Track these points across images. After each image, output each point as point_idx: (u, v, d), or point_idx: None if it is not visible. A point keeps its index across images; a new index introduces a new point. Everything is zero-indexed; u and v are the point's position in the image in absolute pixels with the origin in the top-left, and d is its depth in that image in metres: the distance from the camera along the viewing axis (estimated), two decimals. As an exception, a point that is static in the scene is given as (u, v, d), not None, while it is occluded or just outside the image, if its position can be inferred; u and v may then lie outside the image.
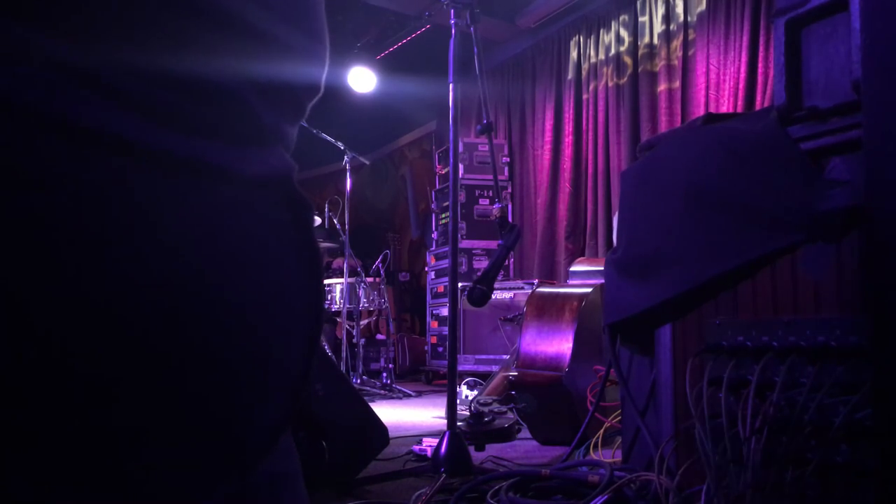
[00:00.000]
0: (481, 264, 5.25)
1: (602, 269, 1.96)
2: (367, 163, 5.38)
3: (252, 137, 0.46)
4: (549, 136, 5.63)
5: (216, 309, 0.41)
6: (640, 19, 4.94)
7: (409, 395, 4.51)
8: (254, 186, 0.46)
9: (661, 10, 4.76)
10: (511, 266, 5.68)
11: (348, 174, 4.94)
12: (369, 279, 5.21)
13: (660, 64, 4.72)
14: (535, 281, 4.47)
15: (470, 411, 2.31)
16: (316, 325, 0.50)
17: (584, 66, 5.42)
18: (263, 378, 0.45)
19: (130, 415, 0.39)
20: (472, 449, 1.99)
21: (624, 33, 5.07)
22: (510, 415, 2.38)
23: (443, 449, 1.89)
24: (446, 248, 5.34)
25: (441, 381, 5.46)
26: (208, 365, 0.41)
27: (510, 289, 4.53)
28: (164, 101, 0.41)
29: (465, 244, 5.30)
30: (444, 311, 5.28)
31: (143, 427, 0.39)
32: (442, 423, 2.50)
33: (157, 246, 0.39)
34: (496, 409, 2.34)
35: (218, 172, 0.43)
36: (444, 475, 1.79)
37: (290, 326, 0.47)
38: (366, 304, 5.22)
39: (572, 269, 3.28)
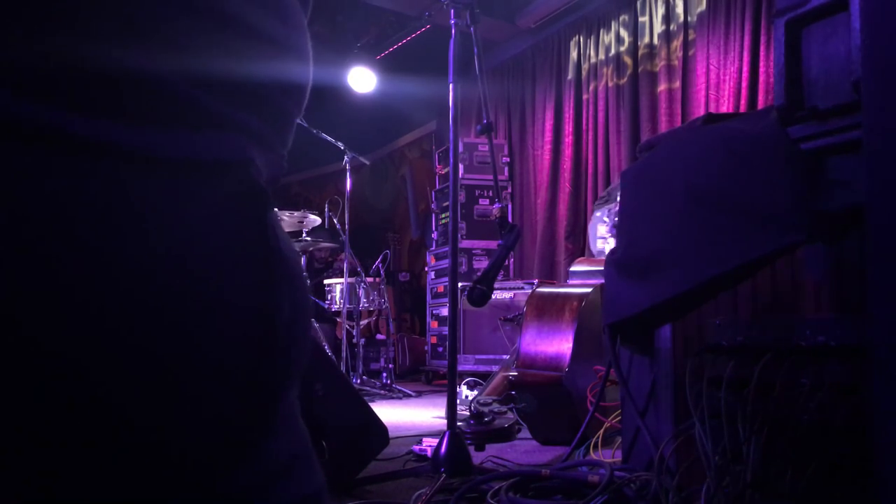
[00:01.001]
0: (481, 264, 5.25)
1: (602, 269, 1.96)
2: (367, 163, 5.38)
3: (184, 121, 0.43)
4: (549, 136, 5.63)
5: (138, 308, 0.39)
6: (640, 19, 4.94)
7: (409, 395, 4.50)
8: (187, 170, 0.43)
9: (661, 11, 4.76)
10: (511, 266, 5.67)
11: (348, 174, 4.93)
12: (369, 279, 5.21)
13: (660, 64, 4.72)
14: (535, 281, 4.46)
15: (470, 411, 2.31)
16: (267, 329, 0.46)
17: (584, 67, 5.41)
18: (190, 384, 0.42)
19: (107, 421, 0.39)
20: (472, 449, 1.99)
21: (624, 33, 5.07)
22: (510, 415, 2.38)
23: (443, 449, 1.89)
24: (446, 248, 5.34)
25: (441, 381, 5.45)
26: (133, 367, 0.39)
27: (510, 289, 4.53)
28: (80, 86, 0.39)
29: (465, 244, 5.30)
30: (444, 311, 5.28)
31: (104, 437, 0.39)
32: (442, 423, 2.50)
33: (87, 242, 0.38)
34: (496, 409, 2.34)
35: (140, 154, 0.41)
36: (444, 475, 1.79)
37: (222, 328, 0.43)
38: (366, 304, 5.21)
39: (572, 269, 3.27)
